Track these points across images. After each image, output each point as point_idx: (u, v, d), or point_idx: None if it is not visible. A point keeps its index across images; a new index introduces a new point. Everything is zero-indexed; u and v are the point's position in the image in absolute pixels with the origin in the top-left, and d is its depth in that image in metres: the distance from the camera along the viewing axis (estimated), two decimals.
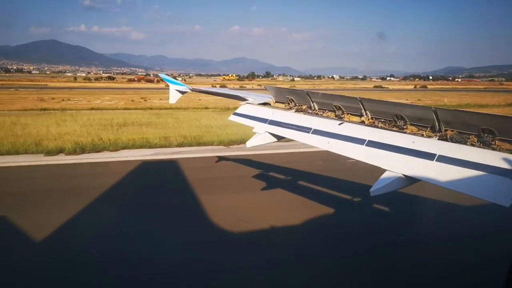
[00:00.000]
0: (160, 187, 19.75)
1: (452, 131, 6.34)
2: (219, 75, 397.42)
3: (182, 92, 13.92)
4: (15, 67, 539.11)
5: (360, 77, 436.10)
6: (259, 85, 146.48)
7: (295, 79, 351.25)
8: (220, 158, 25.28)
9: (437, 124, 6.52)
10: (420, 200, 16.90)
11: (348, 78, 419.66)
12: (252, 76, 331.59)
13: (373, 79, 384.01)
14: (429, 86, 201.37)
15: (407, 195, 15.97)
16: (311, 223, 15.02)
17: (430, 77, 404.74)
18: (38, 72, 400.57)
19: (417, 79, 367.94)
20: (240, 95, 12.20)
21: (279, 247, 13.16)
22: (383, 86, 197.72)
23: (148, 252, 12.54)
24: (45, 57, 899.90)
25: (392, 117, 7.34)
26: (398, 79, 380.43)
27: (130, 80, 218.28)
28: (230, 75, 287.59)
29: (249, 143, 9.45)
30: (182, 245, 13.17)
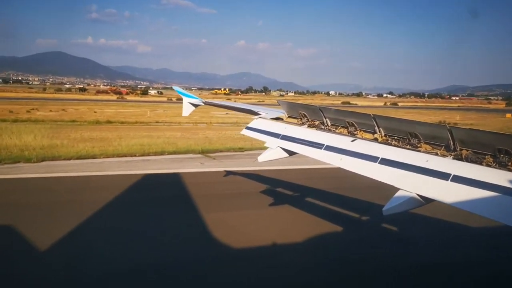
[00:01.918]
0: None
1: (467, 150, 6.26)
2: (225, 89, 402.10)
3: (195, 105, 14.00)
4: (20, 78, 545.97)
5: (363, 93, 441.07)
6: (259, 101, 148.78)
7: (289, 94, 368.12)
8: (228, 173, 25.27)
9: (452, 143, 6.44)
10: (432, 221, 16.49)
11: (349, 94, 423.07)
12: (249, 91, 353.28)
13: (369, 96, 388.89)
14: (416, 104, 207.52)
15: (420, 216, 15.55)
16: (315, 241, 14.84)
17: (426, 95, 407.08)
18: (38, 83, 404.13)
19: (413, 97, 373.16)
20: (252, 109, 12.25)
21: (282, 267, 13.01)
22: (350, 102, 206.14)
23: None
24: (51, 68, 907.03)
25: (406, 134, 7.29)
26: (394, 96, 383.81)
27: (98, 92, 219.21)
28: (222, 89, 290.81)
29: (260, 158, 9.44)
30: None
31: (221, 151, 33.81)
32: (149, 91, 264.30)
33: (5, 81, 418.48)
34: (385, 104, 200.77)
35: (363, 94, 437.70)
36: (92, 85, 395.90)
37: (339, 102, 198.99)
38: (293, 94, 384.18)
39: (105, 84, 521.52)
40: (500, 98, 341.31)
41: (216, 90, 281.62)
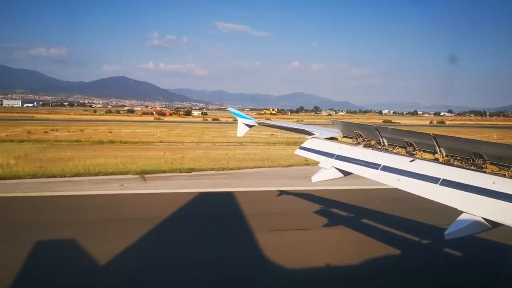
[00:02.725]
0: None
1: None
2: (284, 109, 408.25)
3: (250, 126, 14.19)
4: (86, 102, 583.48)
5: (419, 112, 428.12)
6: (298, 120, 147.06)
7: (339, 113, 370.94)
8: (282, 192, 25.18)
9: None
10: (498, 247, 15.29)
11: (403, 113, 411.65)
12: (299, 111, 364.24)
13: (425, 115, 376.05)
14: (465, 122, 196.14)
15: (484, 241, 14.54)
16: (370, 265, 14.33)
17: (487, 113, 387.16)
18: (101, 106, 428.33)
19: (473, 115, 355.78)
20: (306, 129, 12.20)
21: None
22: (392, 120, 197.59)
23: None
24: (114, 92, 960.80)
25: (470, 155, 6.89)
26: (453, 115, 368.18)
27: (144, 113, 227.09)
28: (271, 109, 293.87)
29: (314, 178, 9.32)
30: None
31: (165, 171, 32.56)
32: (192, 111, 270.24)
33: (71, 104, 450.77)
34: (430, 122, 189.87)
35: (419, 112, 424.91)
36: (150, 107, 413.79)
37: (381, 121, 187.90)
38: (343, 113, 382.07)
39: (163, 106, 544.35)
40: None
41: (264, 110, 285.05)
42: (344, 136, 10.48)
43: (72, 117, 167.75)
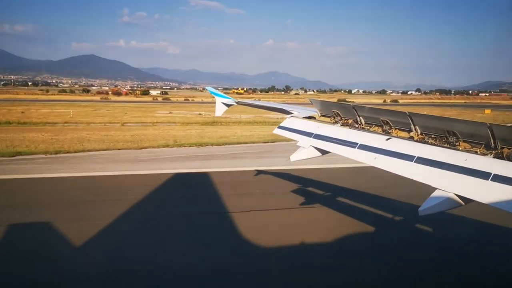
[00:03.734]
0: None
1: (509, 149, 6.06)
2: (256, 89, 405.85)
3: (228, 105, 14.14)
4: (55, 81, 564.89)
5: (388, 91, 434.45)
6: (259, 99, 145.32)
7: (308, 92, 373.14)
8: (259, 172, 25.29)
9: (492, 141, 6.24)
10: (469, 222, 15.86)
11: (372, 92, 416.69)
12: (270, 90, 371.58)
13: (392, 93, 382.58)
14: (418, 101, 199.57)
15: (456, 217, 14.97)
16: (344, 242, 14.63)
17: (452, 92, 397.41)
18: (67, 85, 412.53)
19: (438, 93, 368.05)
20: (285, 108, 12.25)
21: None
22: (346, 99, 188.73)
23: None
24: (84, 71, 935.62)
25: (444, 133, 7.11)
26: (420, 93, 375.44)
27: (98, 93, 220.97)
28: (239, 89, 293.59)
29: (293, 157, 9.44)
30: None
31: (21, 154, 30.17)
32: (150, 91, 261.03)
33: (35, 84, 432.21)
34: (384, 101, 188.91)
35: (389, 91, 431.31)
36: (120, 86, 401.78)
37: (335, 99, 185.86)
38: (311, 92, 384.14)
39: (135, 85, 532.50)
40: None
41: (233, 90, 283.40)
42: (322, 115, 10.59)
43: (17, 96, 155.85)
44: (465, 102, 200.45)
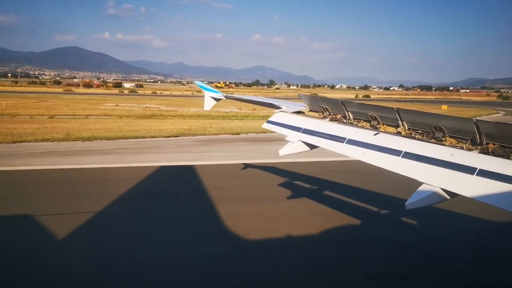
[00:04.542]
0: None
1: (494, 144, 6.15)
2: (242, 83, 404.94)
3: (217, 99, 14.08)
4: (37, 73, 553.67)
5: (371, 87, 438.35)
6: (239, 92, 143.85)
7: (291, 87, 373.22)
8: (246, 166, 25.28)
9: (478, 137, 6.34)
10: (455, 216, 16.20)
11: (356, 88, 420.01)
12: (253, 85, 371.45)
13: (375, 89, 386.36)
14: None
15: (442, 211, 15.40)
16: (330, 235, 14.79)
17: (433, 88, 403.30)
18: (49, 78, 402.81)
19: (419, 89, 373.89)
20: (274, 103, 12.26)
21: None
22: (318, 94, 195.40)
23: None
24: (68, 63, 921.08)
25: (430, 128, 7.20)
26: (402, 89, 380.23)
27: (68, 85, 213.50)
28: (221, 83, 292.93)
29: (281, 152, 9.42)
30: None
31: None
32: (123, 84, 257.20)
33: (14, 75, 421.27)
34: (356, 96, 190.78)
35: (374, 87, 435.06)
36: (102, 79, 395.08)
37: (309, 93, 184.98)
38: (294, 87, 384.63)
39: (119, 78, 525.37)
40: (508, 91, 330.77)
41: (215, 84, 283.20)
42: (310, 110, 10.61)
43: None
44: (436, 98, 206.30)
